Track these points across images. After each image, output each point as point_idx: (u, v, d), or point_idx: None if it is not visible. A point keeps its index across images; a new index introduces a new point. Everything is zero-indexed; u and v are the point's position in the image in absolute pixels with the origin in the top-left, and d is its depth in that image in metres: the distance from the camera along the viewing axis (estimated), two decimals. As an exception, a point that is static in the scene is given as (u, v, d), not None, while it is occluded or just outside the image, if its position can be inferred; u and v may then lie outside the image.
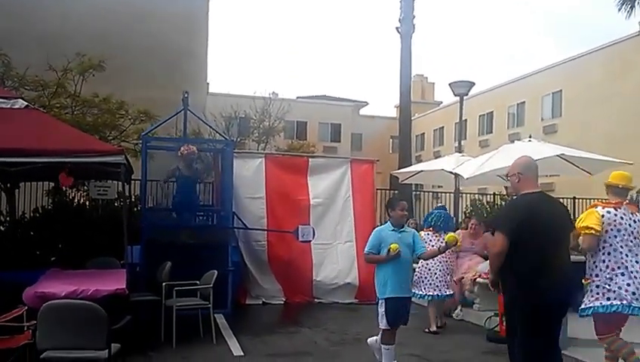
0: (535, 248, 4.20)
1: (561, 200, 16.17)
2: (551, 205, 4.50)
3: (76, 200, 10.46)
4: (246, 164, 9.98)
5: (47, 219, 9.64)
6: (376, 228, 5.97)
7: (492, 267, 4.50)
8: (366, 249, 5.67)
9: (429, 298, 7.88)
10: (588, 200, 15.90)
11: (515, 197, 4.64)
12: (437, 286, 7.86)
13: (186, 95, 8.56)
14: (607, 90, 24.01)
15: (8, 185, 9.69)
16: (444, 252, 6.28)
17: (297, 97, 37.05)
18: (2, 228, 9.81)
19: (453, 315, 8.76)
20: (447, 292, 8.02)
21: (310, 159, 11.10)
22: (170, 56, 17.84)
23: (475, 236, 9.21)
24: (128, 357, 4.92)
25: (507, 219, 4.41)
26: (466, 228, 9.43)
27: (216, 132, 10.38)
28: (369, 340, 5.83)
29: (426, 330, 7.69)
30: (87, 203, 10.34)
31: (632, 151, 17.88)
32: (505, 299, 4.46)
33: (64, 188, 10.21)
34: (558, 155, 8.81)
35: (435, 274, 7.88)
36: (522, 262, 4.22)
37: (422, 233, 7.77)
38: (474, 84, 14.02)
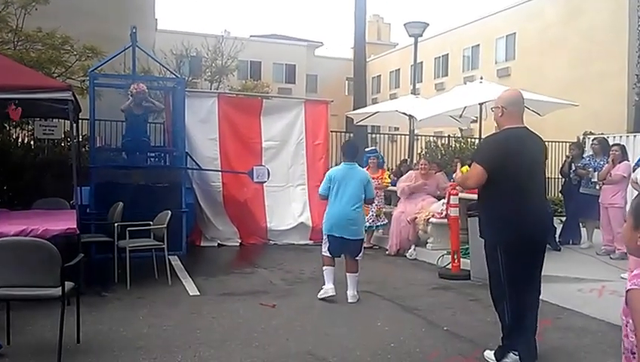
0: (514, 184, 4.09)
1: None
2: (532, 141, 4.31)
3: (20, 140, 9.99)
4: (198, 103, 9.68)
5: (-10, 159, 9.14)
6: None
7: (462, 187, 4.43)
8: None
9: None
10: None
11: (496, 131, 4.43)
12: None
13: (134, 30, 8.17)
14: (558, 34, 24.27)
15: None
16: None
17: (250, 36, 35.97)
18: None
19: (407, 255, 8.95)
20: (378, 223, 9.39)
21: (264, 100, 10.88)
22: (117, -10, 16.87)
23: (426, 176, 9.35)
24: (82, 298, 4.82)
25: (486, 153, 4.24)
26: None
27: (167, 70, 9.97)
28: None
29: None
30: (32, 143, 9.89)
31: (581, 95, 18.38)
32: (485, 238, 4.34)
33: (7, 127, 9.76)
34: None
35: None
36: (501, 198, 4.12)
37: None
38: (428, 24, 13.95)
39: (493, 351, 4.33)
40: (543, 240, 4.45)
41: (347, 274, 6.22)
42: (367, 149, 11.23)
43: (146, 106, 8.53)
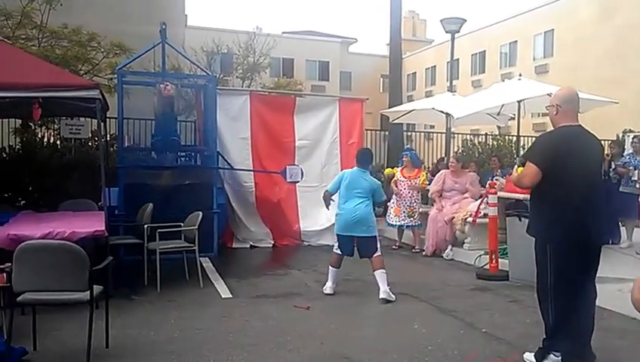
0: (569, 183, 4.01)
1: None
2: (588, 140, 4.22)
3: (46, 140, 9.94)
4: (230, 101, 9.50)
5: (16, 159, 9.07)
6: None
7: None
8: None
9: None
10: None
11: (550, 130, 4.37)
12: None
13: (163, 26, 8.02)
14: (596, 30, 23.72)
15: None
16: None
17: (283, 33, 35.83)
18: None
19: (444, 255, 8.72)
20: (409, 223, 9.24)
21: (297, 98, 10.68)
22: (145, -14, 16.78)
23: (456, 175, 9.06)
24: (111, 301, 4.73)
25: (541, 152, 4.15)
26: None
27: (198, 67, 9.83)
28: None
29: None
30: (59, 142, 9.82)
31: (618, 92, 17.86)
32: (534, 235, 4.25)
33: (33, 126, 9.72)
34: (547, 94, 8.65)
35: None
36: (554, 197, 4.05)
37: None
38: (465, 20, 13.65)
39: (533, 353, 4.30)
40: (597, 242, 4.24)
41: (374, 273, 6.26)
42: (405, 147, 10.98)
43: (176, 104, 8.37)
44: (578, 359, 4.11)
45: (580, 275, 4.09)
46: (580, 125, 4.21)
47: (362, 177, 6.41)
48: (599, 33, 23.53)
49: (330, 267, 6.48)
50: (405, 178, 9.32)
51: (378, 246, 6.35)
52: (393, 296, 6.15)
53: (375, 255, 6.28)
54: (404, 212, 9.23)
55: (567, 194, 4.01)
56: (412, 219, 9.25)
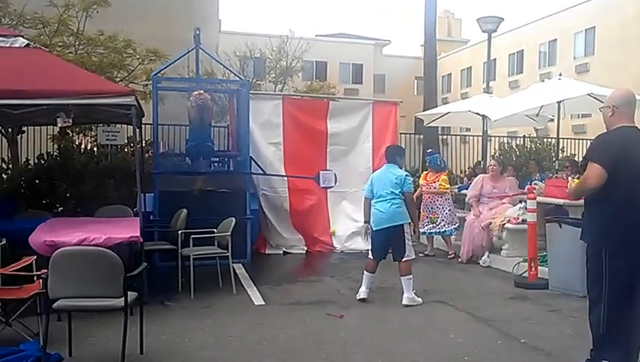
0: (627, 185, 3.87)
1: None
2: None
3: (83, 147, 10.09)
4: (263, 105, 9.50)
5: (54, 166, 9.23)
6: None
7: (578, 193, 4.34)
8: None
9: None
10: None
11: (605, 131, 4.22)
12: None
13: (197, 32, 8.08)
14: (639, 29, 22.98)
15: (9, 129, 9.32)
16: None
17: (316, 36, 35.81)
18: (4, 176, 9.42)
19: (480, 262, 8.52)
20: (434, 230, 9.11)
21: (331, 102, 10.62)
22: (179, -8, 16.94)
23: (495, 179, 8.86)
24: (146, 307, 4.76)
25: (603, 152, 3.99)
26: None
27: (231, 72, 9.86)
28: None
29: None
30: (96, 149, 9.96)
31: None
32: (588, 241, 4.12)
33: (70, 133, 9.86)
34: (588, 94, 8.52)
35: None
36: (611, 200, 3.91)
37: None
38: (502, 19, 13.40)
39: None
40: None
41: (401, 278, 6.27)
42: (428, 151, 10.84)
43: (210, 110, 8.41)
44: None
45: (636, 282, 3.94)
46: (636, 126, 4.06)
47: (390, 171, 6.38)
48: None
49: (364, 272, 6.44)
50: (427, 182, 9.21)
51: (407, 249, 6.28)
52: (419, 299, 6.21)
53: (404, 259, 6.25)
54: (427, 217, 9.12)
55: (628, 198, 3.88)
56: (435, 225, 9.07)
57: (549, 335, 5.15)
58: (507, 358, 4.59)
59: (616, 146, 3.96)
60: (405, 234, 6.29)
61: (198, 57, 8.38)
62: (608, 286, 3.93)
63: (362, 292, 6.36)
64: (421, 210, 9.17)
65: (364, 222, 6.65)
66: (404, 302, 6.14)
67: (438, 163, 9.40)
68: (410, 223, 6.35)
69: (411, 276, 6.22)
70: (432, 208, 9.10)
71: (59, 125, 6.00)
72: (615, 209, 3.91)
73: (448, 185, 9.30)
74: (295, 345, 4.88)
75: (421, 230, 9.15)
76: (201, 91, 8.00)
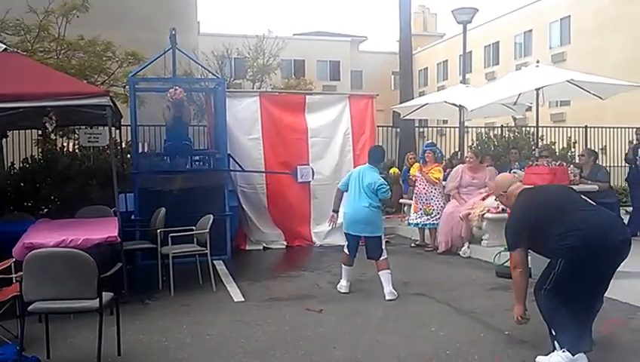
0: (562, 219, 4.09)
1: (572, 130, 15.95)
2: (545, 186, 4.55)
3: (66, 149, 10.10)
4: (240, 103, 9.48)
5: (38, 169, 9.28)
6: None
7: (517, 290, 4.46)
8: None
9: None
10: (600, 129, 15.59)
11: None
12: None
13: (173, 32, 8.08)
14: (617, 15, 23.20)
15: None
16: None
17: (293, 34, 35.91)
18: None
19: (460, 253, 8.57)
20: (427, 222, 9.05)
21: (307, 96, 10.63)
22: (158, -5, 16.95)
23: (474, 170, 8.91)
24: (126, 306, 4.73)
25: (514, 233, 4.34)
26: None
27: (208, 71, 9.85)
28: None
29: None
30: (79, 151, 9.97)
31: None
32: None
33: (53, 135, 9.88)
34: (568, 80, 8.45)
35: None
36: (561, 230, 4.05)
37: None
38: (477, 10, 13.44)
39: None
40: (612, 241, 4.07)
41: (378, 273, 6.26)
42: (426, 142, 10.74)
43: (186, 109, 8.40)
44: (584, 347, 4.00)
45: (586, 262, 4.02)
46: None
47: (369, 174, 6.40)
48: (621, 17, 22.88)
49: (342, 265, 6.50)
50: (421, 173, 9.17)
51: (384, 248, 6.31)
52: (396, 293, 6.15)
53: (381, 258, 6.25)
54: (421, 209, 9.09)
55: (568, 225, 4.03)
56: (430, 217, 9.02)
57: (533, 327, 4.66)
58: (490, 351, 4.50)
59: (525, 213, 4.27)
60: (382, 241, 6.34)
61: (175, 57, 8.39)
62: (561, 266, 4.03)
63: (343, 286, 6.43)
64: (415, 202, 9.20)
65: (333, 211, 6.73)
66: (388, 297, 6.09)
67: (441, 155, 9.55)
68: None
69: (389, 270, 6.22)
70: (426, 199, 9.02)
71: (49, 129, 5.99)
72: (568, 235, 4.01)
73: (439, 176, 9.11)
74: (274, 341, 4.84)
75: (414, 221, 9.19)
76: (176, 87, 7.97)
